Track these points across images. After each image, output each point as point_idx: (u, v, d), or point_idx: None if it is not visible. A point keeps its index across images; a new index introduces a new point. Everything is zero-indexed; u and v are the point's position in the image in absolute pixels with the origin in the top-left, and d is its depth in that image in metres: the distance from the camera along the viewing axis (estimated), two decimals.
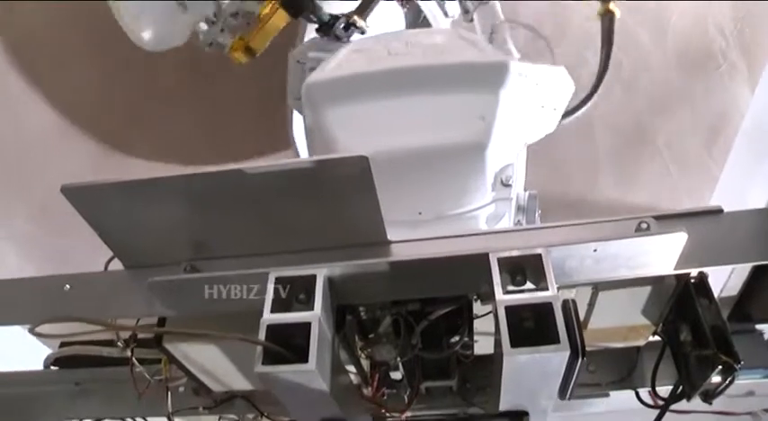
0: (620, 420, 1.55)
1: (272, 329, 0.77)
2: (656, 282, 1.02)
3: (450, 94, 1.17)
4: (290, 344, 0.77)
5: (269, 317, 0.78)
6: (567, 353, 0.69)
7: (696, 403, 2.17)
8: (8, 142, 2.91)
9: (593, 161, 3.09)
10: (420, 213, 1.14)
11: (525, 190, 1.30)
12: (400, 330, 1.02)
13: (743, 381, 1.31)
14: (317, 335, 0.75)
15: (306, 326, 0.76)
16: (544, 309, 0.73)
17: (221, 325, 1.02)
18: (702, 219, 0.93)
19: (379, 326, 1.01)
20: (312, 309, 0.78)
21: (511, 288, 0.78)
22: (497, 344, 0.76)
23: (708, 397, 1.14)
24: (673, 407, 2.05)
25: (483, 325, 1.06)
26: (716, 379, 1.07)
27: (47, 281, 1.09)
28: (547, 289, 0.75)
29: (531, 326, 0.74)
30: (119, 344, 1.23)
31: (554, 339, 0.69)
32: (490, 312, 0.96)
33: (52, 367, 1.60)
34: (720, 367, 1.01)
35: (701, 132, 2.92)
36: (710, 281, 1.11)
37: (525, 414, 0.88)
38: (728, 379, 1.04)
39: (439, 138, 1.13)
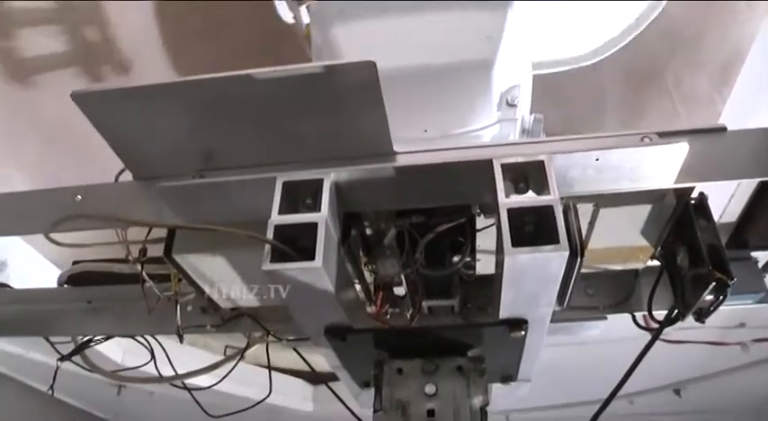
0: (615, 348, 1.58)
1: (280, 230, 0.79)
2: (656, 200, 1.03)
3: (457, 13, 1.17)
4: (296, 246, 0.79)
5: (276, 218, 0.80)
6: (566, 254, 0.71)
7: (690, 334, 2.23)
8: (18, 75, 2.90)
9: (600, 101, 3.07)
10: (426, 131, 1.15)
11: (531, 114, 1.30)
12: (404, 244, 1.04)
13: (735, 307, 1.34)
14: (324, 235, 0.77)
15: (312, 227, 0.78)
16: (545, 212, 0.74)
17: (229, 237, 1.05)
18: (706, 137, 0.94)
19: (384, 239, 1.03)
20: (319, 211, 0.80)
21: (513, 195, 0.80)
22: (499, 249, 0.78)
23: (701, 316, 1.16)
24: (668, 337, 2.10)
25: (486, 242, 1.08)
26: (709, 297, 1.09)
27: (59, 192, 1.11)
28: (549, 193, 0.77)
29: (532, 231, 0.76)
30: (129, 257, 1.26)
31: (554, 240, 0.71)
32: (493, 224, 0.98)
33: (65, 285, 1.64)
34: (714, 284, 1.03)
35: (712, 72, 2.88)
36: (710, 205, 1.12)
37: (524, 322, 0.91)
38: (721, 296, 1.06)
39: (446, 56, 1.13)
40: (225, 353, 2.81)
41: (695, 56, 2.93)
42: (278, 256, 0.77)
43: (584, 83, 2.96)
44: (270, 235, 0.78)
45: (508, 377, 1.18)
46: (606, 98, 3.08)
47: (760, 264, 1.37)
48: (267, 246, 0.77)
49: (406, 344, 1.02)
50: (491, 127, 1.18)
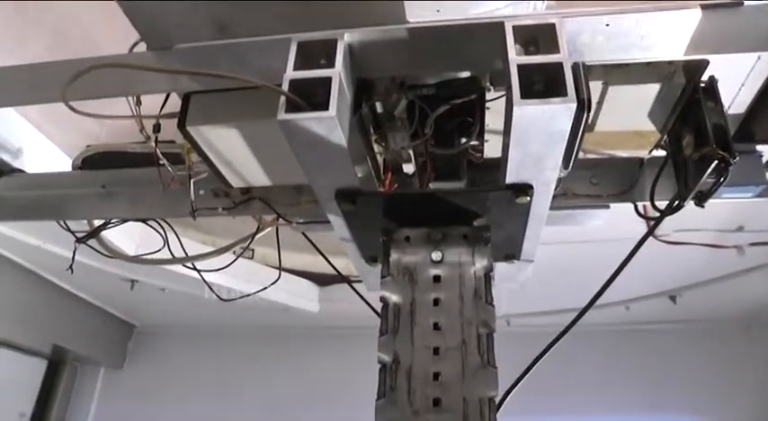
0: (616, 250, 1.59)
1: (295, 84, 0.81)
2: (665, 78, 1.04)
3: None
4: (311, 102, 0.81)
5: (291, 73, 0.82)
6: (573, 106, 0.73)
7: (689, 236, 2.26)
8: None
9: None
10: (438, 11, 1.15)
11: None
12: (414, 117, 1.06)
13: (734, 204, 1.37)
14: (338, 88, 0.79)
15: (327, 82, 0.80)
16: (554, 70, 0.76)
17: (243, 106, 1.07)
18: (720, 10, 0.93)
19: (395, 111, 1.05)
20: (333, 67, 0.82)
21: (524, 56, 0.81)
22: (508, 106, 0.80)
23: (701, 199, 1.19)
24: (667, 238, 2.14)
25: (494, 122, 1.10)
26: (710, 179, 1.11)
27: (73, 63, 1.12)
28: (558, 53, 0.78)
29: (541, 89, 0.78)
30: (143, 132, 1.28)
31: (562, 94, 0.73)
32: (503, 95, 1.00)
33: (80, 170, 1.68)
34: (716, 163, 1.05)
35: None
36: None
37: (530, 187, 0.93)
38: (722, 177, 1.08)
39: None
40: (234, 253, 2.88)
41: None
42: (292, 109, 0.79)
43: None
44: (285, 88, 0.80)
45: (512, 255, 1.22)
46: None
47: (764, 159, 1.39)
48: (282, 98, 0.79)
49: (413, 212, 1.05)
50: (504, 8, 1.17)
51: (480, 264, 0.99)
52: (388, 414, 0.89)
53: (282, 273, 3.38)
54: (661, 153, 1.26)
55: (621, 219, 1.60)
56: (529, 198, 0.94)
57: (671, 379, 3.78)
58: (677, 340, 3.82)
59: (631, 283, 3.05)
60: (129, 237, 2.47)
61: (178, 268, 2.77)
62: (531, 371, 1.31)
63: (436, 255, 1.01)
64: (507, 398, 1.17)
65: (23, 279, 3.28)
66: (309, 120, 0.78)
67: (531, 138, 0.80)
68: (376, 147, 1.16)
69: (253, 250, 3.12)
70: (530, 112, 0.74)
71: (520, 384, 1.27)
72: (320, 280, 3.57)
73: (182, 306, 3.76)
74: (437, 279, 0.99)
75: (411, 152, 1.17)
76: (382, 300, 0.97)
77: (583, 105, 0.78)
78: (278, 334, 4.19)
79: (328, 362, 4.02)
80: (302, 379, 4.07)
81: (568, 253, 2.56)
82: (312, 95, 0.81)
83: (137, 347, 4.57)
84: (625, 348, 3.85)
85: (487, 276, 0.98)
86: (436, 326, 0.94)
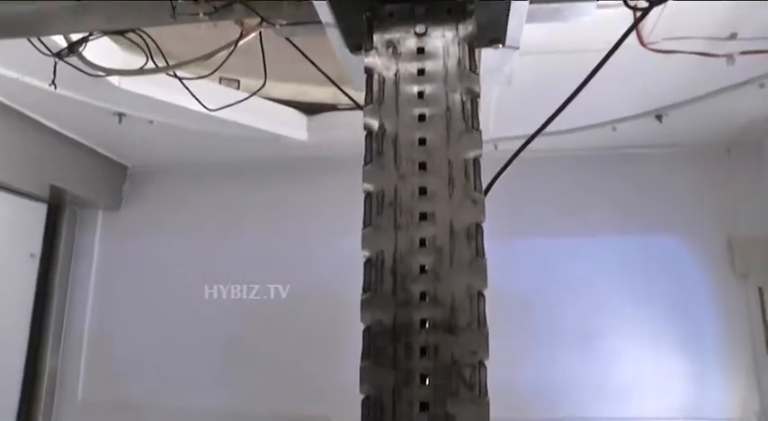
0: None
1: None
2: None
3: None
4: None
5: None
6: None
7: (679, 44, 2.23)
8: None
9: None
10: None
11: None
12: None
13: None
14: None
15: None
16: None
17: None
18: None
19: None
20: None
21: None
22: None
23: None
24: (655, 46, 2.12)
25: None
26: None
27: None
28: None
29: None
30: None
31: None
32: None
33: None
34: None
35: None
36: None
37: None
38: None
39: None
40: (220, 82, 2.83)
41: None
42: None
43: None
44: None
45: (497, 39, 1.21)
46: None
47: None
48: None
49: None
50: None
51: (464, 33, 0.99)
52: (376, 177, 0.93)
53: (269, 102, 3.37)
54: None
55: (611, 27, 1.57)
56: None
57: (655, 201, 3.89)
58: (661, 163, 3.88)
59: (619, 103, 3.06)
60: (110, 58, 2.41)
61: (165, 96, 2.75)
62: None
63: (420, 29, 1.01)
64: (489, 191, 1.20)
65: (7, 117, 3.24)
66: None
67: None
68: None
69: (238, 81, 3.07)
70: None
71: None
72: (308, 110, 3.56)
73: (171, 142, 3.76)
74: (421, 50, 0.99)
75: None
76: (367, 70, 0.98)
77: None
78: (267, 167, 4.24)
79: (319, 192, 4.11)
80: (293, 209, 4.18)
81: (555, 68, 2.52)
82: None
83: (131, 188, 4.62)
84: (611, 171, 3.90)
85: (471, 46, 0.99)
86: (421, 95, 0.96)
